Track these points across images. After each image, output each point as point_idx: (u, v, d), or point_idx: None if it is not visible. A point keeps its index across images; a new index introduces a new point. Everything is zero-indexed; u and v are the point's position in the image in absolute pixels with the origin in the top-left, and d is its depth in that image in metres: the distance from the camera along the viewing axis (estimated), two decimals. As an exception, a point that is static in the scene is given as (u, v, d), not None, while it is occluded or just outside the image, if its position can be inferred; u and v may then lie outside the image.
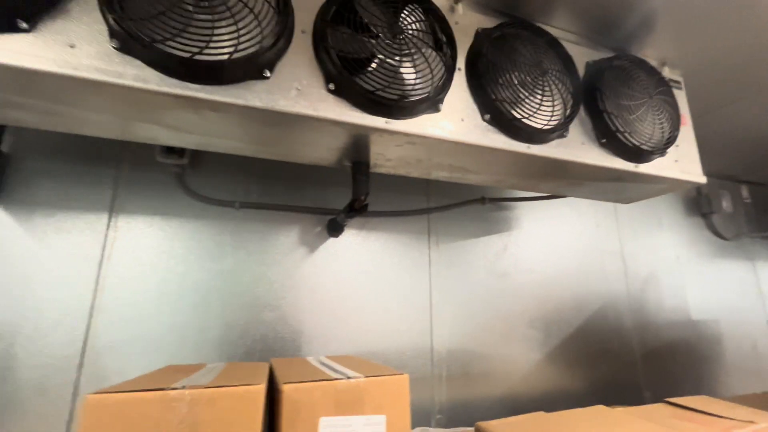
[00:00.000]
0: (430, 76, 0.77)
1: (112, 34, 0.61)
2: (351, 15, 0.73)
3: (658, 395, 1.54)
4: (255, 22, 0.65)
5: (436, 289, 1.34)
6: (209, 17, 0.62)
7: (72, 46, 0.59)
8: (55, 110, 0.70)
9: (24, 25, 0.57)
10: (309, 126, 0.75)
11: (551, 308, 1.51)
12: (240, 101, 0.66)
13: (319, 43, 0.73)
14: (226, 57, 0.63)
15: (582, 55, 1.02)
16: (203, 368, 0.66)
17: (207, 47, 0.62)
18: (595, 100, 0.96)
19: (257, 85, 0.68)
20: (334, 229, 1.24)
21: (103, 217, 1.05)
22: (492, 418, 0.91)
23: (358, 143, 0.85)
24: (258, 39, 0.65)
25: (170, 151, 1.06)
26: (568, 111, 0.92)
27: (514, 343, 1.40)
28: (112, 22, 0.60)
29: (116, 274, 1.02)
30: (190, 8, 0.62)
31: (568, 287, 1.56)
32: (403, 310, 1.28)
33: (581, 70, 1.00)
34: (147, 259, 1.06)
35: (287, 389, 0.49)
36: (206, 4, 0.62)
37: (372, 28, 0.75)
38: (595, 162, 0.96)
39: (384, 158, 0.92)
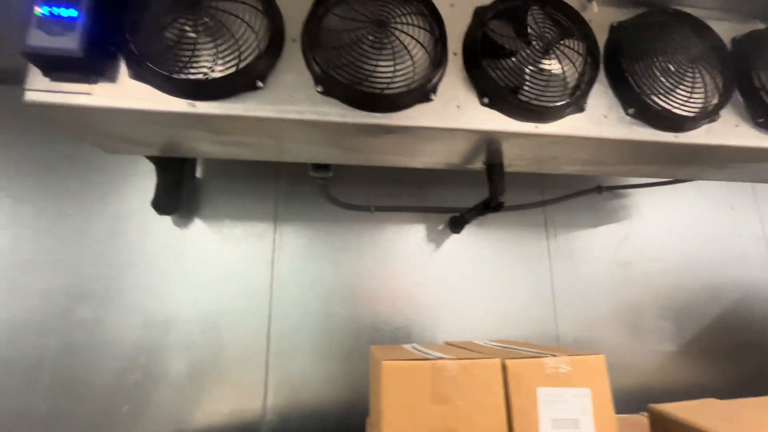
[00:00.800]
0: (576, 79, 0.82)
1: (317, 81, 0.76)
2: (497, 33, 0.81)
3: (820, 393, 1.38)
4: (426, 56, 0.76)
5: (557, 279, 1.36)
6: (391, 59, 0.74)
7: (291, 97, 0.75)
8: (255, 143, 0.88)
9: (260, 84, 0.74)
10: (462, 137, 0.85)
11: (682, 298, 1.43)
12: (414, 123, 0.78)
13: (470, 63, 0.82)
14: (405, 89, 0.74)
15: (727, 32, 0.97)
16: (408, 347, 0.81)
17: (392, 83, 0.74)
18: (749, 78, 0.91)
19: (426, 107, 0.79)
20: (456, 225, 1.34)
21: (270, 226, 1.26)
22: (627, 409, 0.94)
23: (499, 147, 0.92)
24: (429, 69, 0.76)
25: (319, 166, 1.24)
26: (719, 95, 0.89)
27: (644, 334, 1.37)
28: (318, 71, 0.75)
29: (284, 273, 1.23)
30: (373, 54, 0.74)
31: (701, 275, 1.47)
32: (526, 300, 1.33)
33: (729, 48, 0.95)
34: (305, 259, 1.25)
35: (510, 364, 0.60)
36: (387, 47, 0.75)
37: (513, 44, 0.81)
38: (752, 144, 0.91)
39: (520, 158, 0.98)
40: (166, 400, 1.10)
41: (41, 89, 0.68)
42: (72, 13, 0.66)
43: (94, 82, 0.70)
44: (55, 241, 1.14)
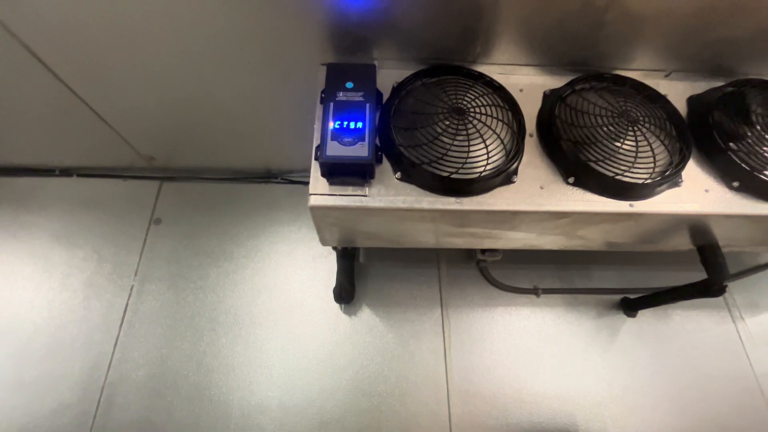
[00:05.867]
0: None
1: (568, 173, 0.77)
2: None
3: None
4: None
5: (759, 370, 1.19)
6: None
7: (543, 191, 0.76)
8: (483, 233, 0.86)
9: (515, 179, 0.76)
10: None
11: None
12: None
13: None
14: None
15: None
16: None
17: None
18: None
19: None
20: (631, 308, 1.23)
21: (437, 309, 1.21)
22: None
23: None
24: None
25: (488, 249, 1.22)
26: None
27: None
28: (569, 163, 0.76)
29: (459, 357, 1.15)
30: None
31: None
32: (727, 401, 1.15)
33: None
34: (478, 345, 1.17)
35: None
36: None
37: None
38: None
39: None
40: None
41: (323, 193, 0.73)
42: (359, 125, 0.72)
43: (369, 185, 0.74)
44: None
